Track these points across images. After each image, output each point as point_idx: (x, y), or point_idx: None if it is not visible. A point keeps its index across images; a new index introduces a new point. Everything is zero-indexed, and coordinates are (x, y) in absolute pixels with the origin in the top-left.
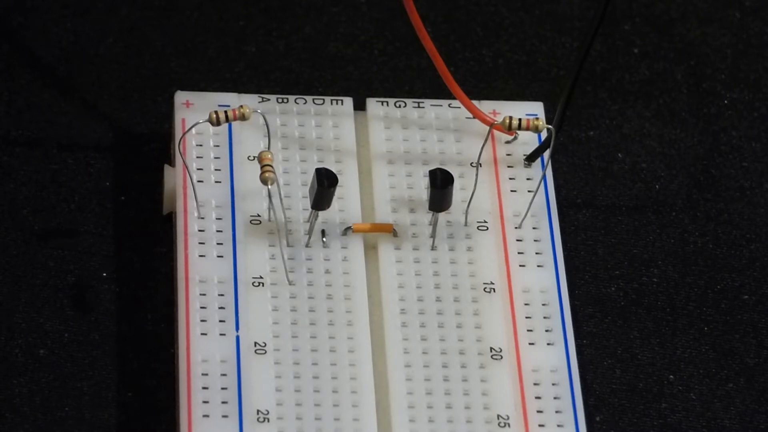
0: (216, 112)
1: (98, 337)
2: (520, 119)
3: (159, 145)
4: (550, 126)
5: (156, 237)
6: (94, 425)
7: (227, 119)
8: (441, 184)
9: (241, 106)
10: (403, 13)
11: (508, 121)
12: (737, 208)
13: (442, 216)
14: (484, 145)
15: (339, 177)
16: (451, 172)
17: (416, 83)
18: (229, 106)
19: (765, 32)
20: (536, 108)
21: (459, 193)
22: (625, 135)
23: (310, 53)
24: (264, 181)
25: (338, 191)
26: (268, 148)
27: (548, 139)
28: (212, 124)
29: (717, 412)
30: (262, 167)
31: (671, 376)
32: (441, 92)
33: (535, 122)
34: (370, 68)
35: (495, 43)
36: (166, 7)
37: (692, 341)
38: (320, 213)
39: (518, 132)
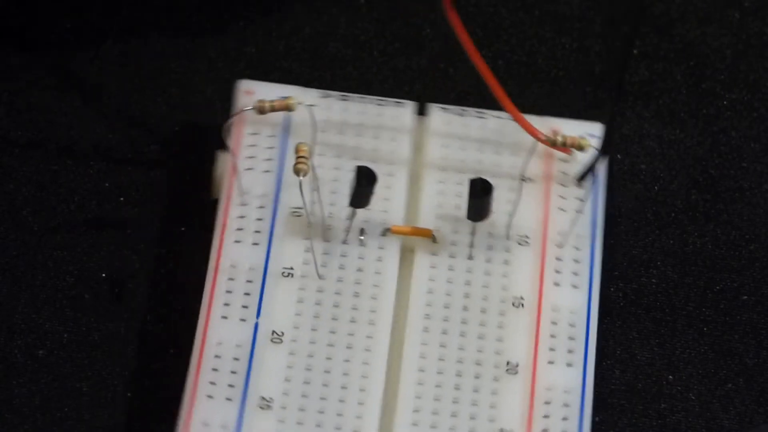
0: (262, 101)
1: (98, 337)
2: (564, 136)
3: (158, 147)
4: (593, 146)
5: (156, 237)
6: (93, 425)
7: (272, 109)
8: (480, 193)
9: (288, 98)
10: (403, 13)
11: (553, 136)
12: (736, 208)
13: (485, 227)
14: (529, 158)
15: (389, 179)
16: (502, 184)
17: (416, 84)
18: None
19: (765, 32)
20: (596, 129)
21: (507, 206)
22: (624, 135)
23: (310, 53)
24: (296, 172)
25: (385, 193)
26: (314, 141)
27: (594, 160)
28: (257, 112)
29: (716, 412)
30: (296, 158)
31: (670, 377)
32: (441, 92)
33: (579, 140)
34: (370, 68)
35: (495, 43)
36: (166, 7)
37: (691, 341)
38: (363, 212)
39: (573, 150)
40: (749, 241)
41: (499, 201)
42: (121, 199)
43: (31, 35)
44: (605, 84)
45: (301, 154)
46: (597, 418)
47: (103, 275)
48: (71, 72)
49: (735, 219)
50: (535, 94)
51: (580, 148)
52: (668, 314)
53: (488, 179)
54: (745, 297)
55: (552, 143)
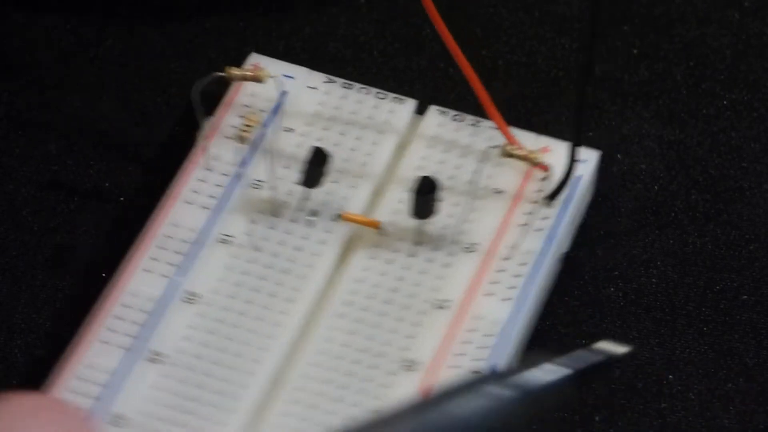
0: (233, 69)
1: None
2: (521, 148)
3: (158, 146)
4: (544, 162)
5: None
6: None
7: (244, 78)
8: (423, 190)
9: (260, 69)
10: (403, 13)
11: (507, 147)
12: (736, 208)
13: (438, 230)
14: (482, 164)
15: (362, 168)
16: (471, 194)
17: (416, 84)
18: (293, 77)
19: (764, 33)
20: (590, 155)
21: (472, 214)
22: (624, 136)
23: (310, 53)
24: (238, 139)
25: (353, 182)
26: (280, 116)
27: (563, 181)
28: (229, 79)
29: (716, 411)
30: (244, 126)
31: (670, 376)
32: (440, 93)
33: (531, 156)
34: (370, 68)
35: (494, 44)
36: (166, 7)
37: (691, 341)
38: (323, 195)
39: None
40: (749, 241)
41: (466, 209)
42: (122, 199)
43: (31, 35)
44: (597, 88)
45: (248, 123)
46: (597, 418)
47: (103, 275)
48: (71, 72)
49: (735, 219)
50: (535, 94)
51: (532, 162)
52: (668, 314)
53: (429, 176)
54: (745, 297)
55: (505, 153)
